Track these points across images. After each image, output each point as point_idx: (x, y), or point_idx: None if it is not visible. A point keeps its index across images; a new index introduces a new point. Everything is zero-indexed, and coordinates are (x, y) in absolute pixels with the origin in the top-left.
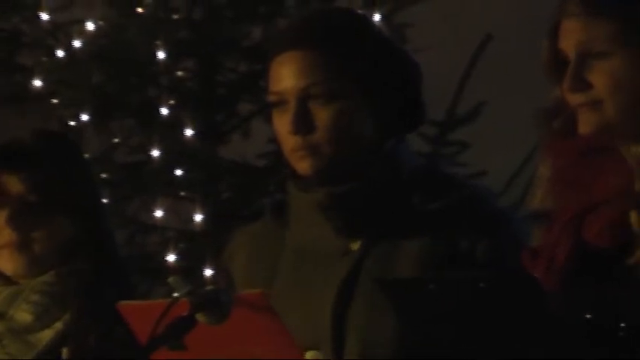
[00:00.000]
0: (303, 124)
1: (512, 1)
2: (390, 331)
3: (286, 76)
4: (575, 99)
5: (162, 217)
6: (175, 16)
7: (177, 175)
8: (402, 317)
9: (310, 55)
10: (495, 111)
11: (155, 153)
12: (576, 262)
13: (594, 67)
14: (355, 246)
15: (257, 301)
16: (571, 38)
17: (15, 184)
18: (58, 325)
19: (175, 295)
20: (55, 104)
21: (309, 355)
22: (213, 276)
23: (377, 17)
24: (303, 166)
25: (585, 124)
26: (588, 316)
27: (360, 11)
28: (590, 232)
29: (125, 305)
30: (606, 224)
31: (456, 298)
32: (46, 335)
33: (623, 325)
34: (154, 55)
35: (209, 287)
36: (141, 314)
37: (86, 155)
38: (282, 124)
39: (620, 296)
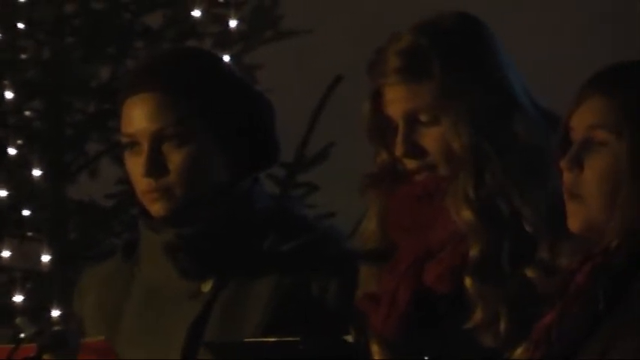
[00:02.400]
0: (156, 166)
1: (363, 43)
2: None
3: (138, 118)
4: (410, 164)
5: (9, 257)
6: (23, 56)
7: (24, 215)
8: None
9: (161, 97)
10: (345, 152)
11: (2, 193)
12: (417, 307)
13: (424, 133)
14: (206, 287)
15: (101, 348)
16: (396, 107)
17: None
18: None
19: (22, 335)
20: None
21: None
22: (60, 317)
23: (227, 58)
24: (155, 208)
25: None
26: (426, 359)
27: (210, 52)
28: (430, 277)
29: None
30: (446, 270)
31: (274, 356)
32: None
33: None
34: (2, 95)
35: (56, 328)
36: None
37: None
38: (135, 165)
39: (457, 343)
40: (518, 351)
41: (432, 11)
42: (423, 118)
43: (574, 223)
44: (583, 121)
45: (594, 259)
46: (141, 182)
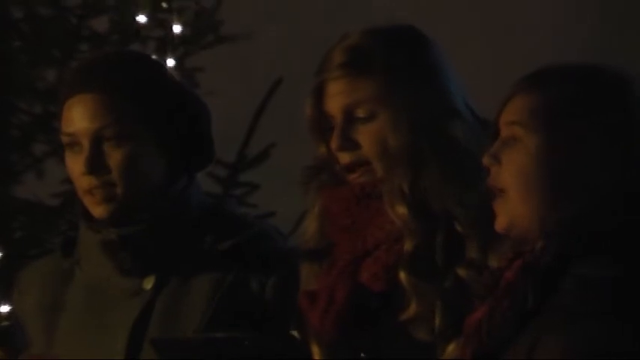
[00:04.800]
0: (97, 164)
1: (304, 47)
2: None
3: (78, 118)
4: (344, 158)
5: None
6: None
7: None
8: None
9: (100, 97)
10: (285, 153)
11: None
12: (354, 304)
13: (360, 129)
14: (148, 285)
15: None
16: (336, 101)
17: None
18: None
19: None
20: None
21: None
22: (7, 313)
23: (170, 61)
24: (97, 210)
25: (357, 182)
26: (363, 355)
27: (152, 55)
28: (366, 275)
29: None
30: (381, 269)
31: (221, 355)
32: None
33: None
34: None
35: (3, 324)
36: None
37: None
38: (76, 164)
39: (392, 340)
40: (451, 347)
41: (365, 20)
42: (361, 113)
43: (500, 222)
44: (504, 119)
45: (523, 256)
46: (82, 180)
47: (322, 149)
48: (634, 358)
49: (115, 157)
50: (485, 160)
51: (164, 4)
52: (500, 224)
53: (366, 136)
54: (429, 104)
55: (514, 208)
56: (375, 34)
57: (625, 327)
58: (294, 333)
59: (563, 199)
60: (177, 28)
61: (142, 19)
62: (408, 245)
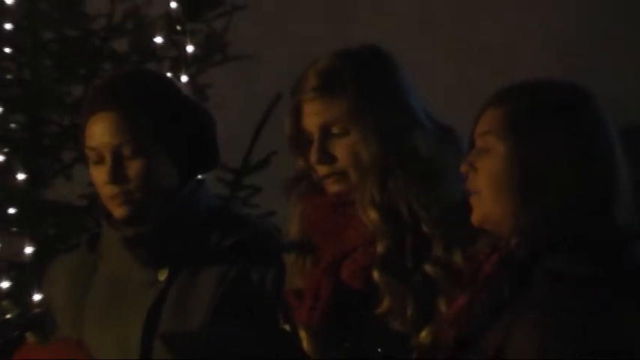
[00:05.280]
0: (118, 175)
1: (301, 67)
2: None
3: (100, 134)
4: (322, 170)
5: None
6: (8, 76)
7: (9, 213)
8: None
9: (119, 116)
10: (284, 160)
11: None
12: (336, 300)
13: (336, 143)
14: (162, 277)
15: (76, 345)
16: (313, 120)
17: None
18: None
19: (8, 316)
20: None
21: None
22: (39, 301)
23: (184, 78)
24: (118, 211)
25: (333, 190)
26: (346, 344)
27: (167, 73)
28: (346, 274)
29: None
30: (358, 269)
31: (221, 346)
32: None
33: (379, 349)
34: None
35: (36, 311)
36: None
37: None
38: (99, 174)
39: (371, 330)
40: (424, 333)
41: (360, 40)
42: (335, 130)
43: (475, 216)
44: (478, 131)
45: (499, 251)
46: (104, 188)
47: (300, 162)
48: (597, 346)
49: (133, 168)
50: (463, 168)
51: (178, 27)
52: (474, 218)
53: (340, 150)
54: (394, 120)
55: (487, 206)
56: (344, 58)
57: (588, 318)
58: (286, 327)
59: (531, 199)
60: (189, 49)
61: (158, 40)
62: (380, 247)
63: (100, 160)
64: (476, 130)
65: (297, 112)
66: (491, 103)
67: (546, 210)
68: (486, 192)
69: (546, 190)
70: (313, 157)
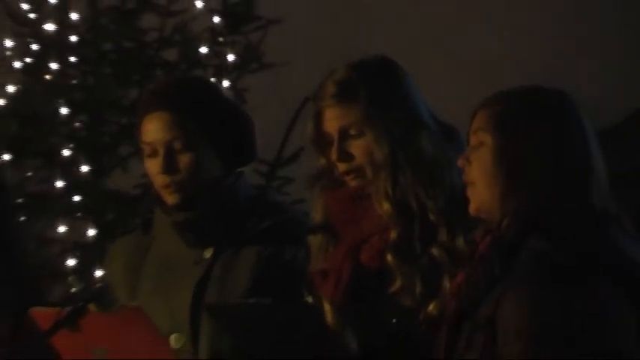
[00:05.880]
0: (170, 167)
1: (324, 74)
2: None
3: (154, 130)
4: (342, 167)
5: (64, 232)
6: (74, 82)
7: (74, 201)
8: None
9: (171, 115)
10: (311, 155)
11: (58, 184)
12: (356, 280)
13: (353, 144)
14: (207, 255)
15: (135, 311)
16: (332, 124)
17: None
18: None
19: (74, 290)
20: None
21: (173, 337)
22: (100, 277)
23: (225, 83)
24: (170, 199)
25: (352, 184)
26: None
27: (211, 79)
28: (364, 257)
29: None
30: (375, 253)
31: (256, 316)
32: None
33: (394, 320)
34: (57, 111)
35: (98, 285)
36: (46, 314)
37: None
38: (153, 166)
39: (385, 306)
40: (431, 306)
41: (379, 49)
42: (352, 132)
43: (472, 206)
44: (472, 129)
45: (492, 233)
46: (158, 178)
47: (322, 160)
48: (575, 313)
49: (183, 161)
50: (460, 162)
51: (220, 39)
52: (471, 208)
53: (357, 149)
54: (403, 123)
55: (481, 195)
56: (358, 69)
57: (567, 291)
58: (309, 299)
59: (517, 186)
60: (230, 58)
61: (203, 50)
62: (393, 234)
63: (154, 154)
64: (470, 128)
65: (318, 117)
66: (482, 105)
67: (530, 195)
68: (479, 181)
69: (529, 178)
70: (334, 155)
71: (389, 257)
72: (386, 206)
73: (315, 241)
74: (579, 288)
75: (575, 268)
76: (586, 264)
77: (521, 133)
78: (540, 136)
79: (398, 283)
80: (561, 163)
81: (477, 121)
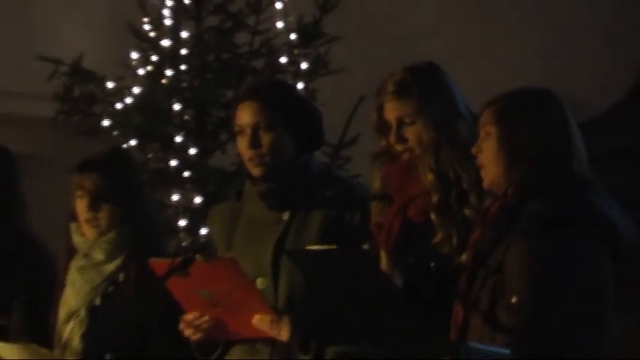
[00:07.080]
0: (255, 143)
1: (377, 77)
2: None
3: (245, 115)
4: (398, 147)
5: (177, 200)
6: (184, 84)
7: (185, 177)
8: (298, 268)
9: (258, 104)
10: (366, 139)
11: (172, 163)
12: (405, 231)
13: (407, 130)
14: (285, 217)
15: (231, 260)
16: (391, 114)
17: (89, 182)
18: (118, 261)
19: (184, 244)
20: (115, 135)
21: (258, 280)
22: (205, 234)
23: (300, 85)
24: (255, 170)
25: (404, 158)
26: (411, 260)
27: (289, 81)
28: (412, 213)
29: (154, 260)
30: (420, 208)
31: (325, 260)
32: (110, 267)
33: (432, 264)
34: (171, 107)
35: (203, 239)
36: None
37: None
38: (243, 143)
39: (428, 253)
40: (463, 257)
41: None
42: (407, 120)
43: (485, 183)
44: (481, 123)
45: (500, 199)
46: (246, 152)
47: (382, 142)
48: (563, 257)
49: (265, 139)
50: (473, 150)
51: (296, 52)
52: (485, 184)
53: (410, 134)
54: (445, 114)
55: (491, 173)
56: (411, 71)
57: (557, 241)
58: (366, 246)
59: (516, 162)
60: (303, 66)
61: (283, 60)
62: (434, 198)
63: (244, 133)
64: (479, 123)
65: (379, 109)
66: (486, 104)
67: (528, 170)
68: (489, 163)
69: (526, 156)
70: (392, 138)
71: (432, 215)
72: (430, 177)
73: (375, 204)
74: (561, 240)
75: (563, 225)
76: (571, 222)
77: (517, 124)
78: (532, 125)
79: (439, 236)
80: (549, 145)
81: (484, 118)
